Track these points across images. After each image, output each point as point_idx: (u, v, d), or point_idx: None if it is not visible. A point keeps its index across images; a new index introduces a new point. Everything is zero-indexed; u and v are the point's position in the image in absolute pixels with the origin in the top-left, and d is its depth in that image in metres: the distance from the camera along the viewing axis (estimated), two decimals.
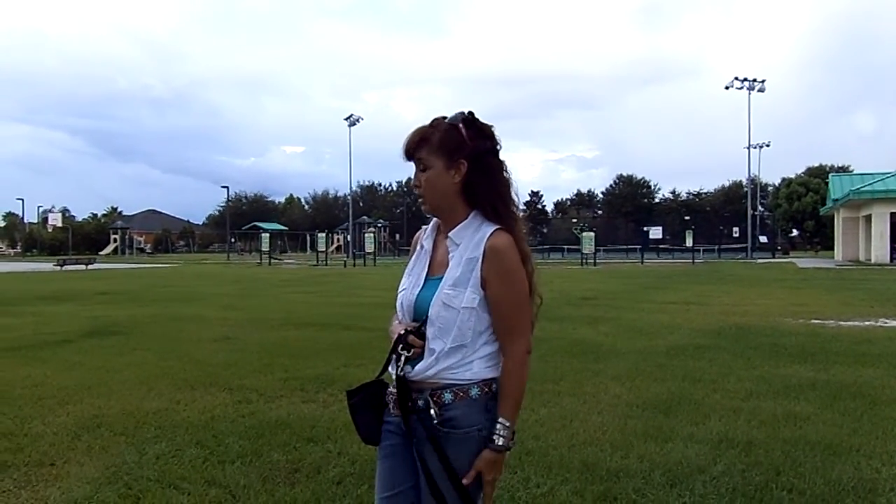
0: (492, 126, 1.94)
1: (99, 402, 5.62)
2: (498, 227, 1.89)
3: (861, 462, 4.11)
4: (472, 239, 1.89)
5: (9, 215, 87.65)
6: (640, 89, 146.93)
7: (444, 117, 1.92)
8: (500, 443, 1.87)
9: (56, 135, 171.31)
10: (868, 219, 36.42)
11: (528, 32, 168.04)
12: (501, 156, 1.95)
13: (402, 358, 1.89)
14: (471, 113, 1.93)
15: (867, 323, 10.65)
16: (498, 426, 1.88)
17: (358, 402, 1.98)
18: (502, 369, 1.90)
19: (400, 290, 2.01)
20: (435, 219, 2.02)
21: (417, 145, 1.91)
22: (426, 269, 1.97)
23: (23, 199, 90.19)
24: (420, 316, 1.91)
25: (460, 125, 1.89)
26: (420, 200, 1.95)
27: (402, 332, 1.90)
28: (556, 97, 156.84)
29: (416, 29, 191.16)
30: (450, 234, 1.92)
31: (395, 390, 1.94)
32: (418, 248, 2.05)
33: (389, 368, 1.96)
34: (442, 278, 1.89)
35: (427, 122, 1.94)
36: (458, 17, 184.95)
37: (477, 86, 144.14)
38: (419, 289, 1.94)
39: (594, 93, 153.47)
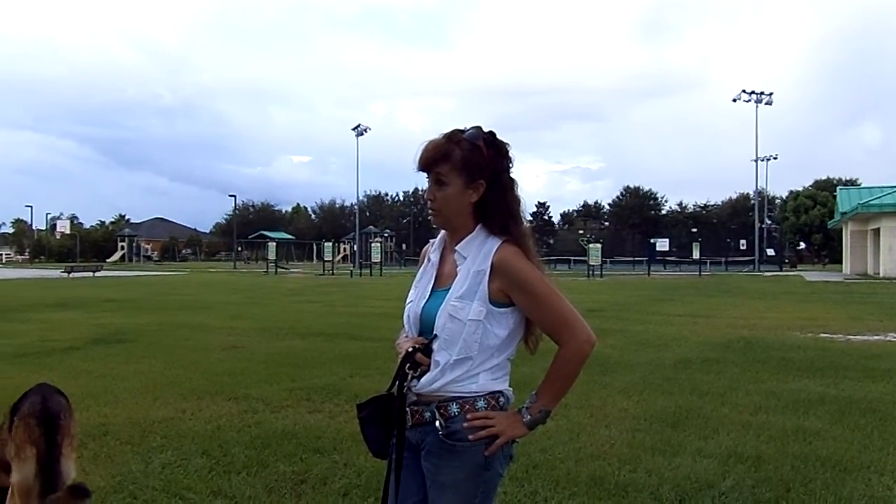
0: (508, 144, 1.94)
1: (105, 410, 5.62)
2: (504, 239, 1.88)
3: (872, 479, 4.07)
4: (479, 251, 1.89)
5: (17, 222, 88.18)
6: (644, 101, 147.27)
7: (461, 130, 1.91)
8: (527, 418, 1.89)
9: (65, 143, 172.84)
10: (876, 232, 36.22)
11: (532, 45, 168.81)
12: (513, 173, 1.95)
13: (409, 376, 1.88)
14: (491, 132, 1.92)
15: (876, 337, 10.57)
16: (529, 400, 1.90)
17: (367, 416, 1.98)
18: (555, 357, 1.90)
19: (407, 302, 2.01)
20: (443, 231, 2.01)
21: (436, 160, 1.89)
22: (433, 282, 1.97)
23: (31, 207, 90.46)
24: (426, 327, 1.91)
25: (482, 144, 1.88)
26: (431, 213, 1.95)
27: (410, 349, 1.89)
28: (561, 109, 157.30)
29: (422, 41, 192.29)
30: (457, 248, 1.92)
31: (410, 405, 1.93)
32: (426, 260, 2.05)
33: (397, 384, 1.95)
34: (448, 290, 1.89)
35: (436, 133, 1.92)
36: (463, 30, 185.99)
37: (482, 97, 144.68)
38: (425, 300, 1.94)
39: (599, 105, 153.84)
